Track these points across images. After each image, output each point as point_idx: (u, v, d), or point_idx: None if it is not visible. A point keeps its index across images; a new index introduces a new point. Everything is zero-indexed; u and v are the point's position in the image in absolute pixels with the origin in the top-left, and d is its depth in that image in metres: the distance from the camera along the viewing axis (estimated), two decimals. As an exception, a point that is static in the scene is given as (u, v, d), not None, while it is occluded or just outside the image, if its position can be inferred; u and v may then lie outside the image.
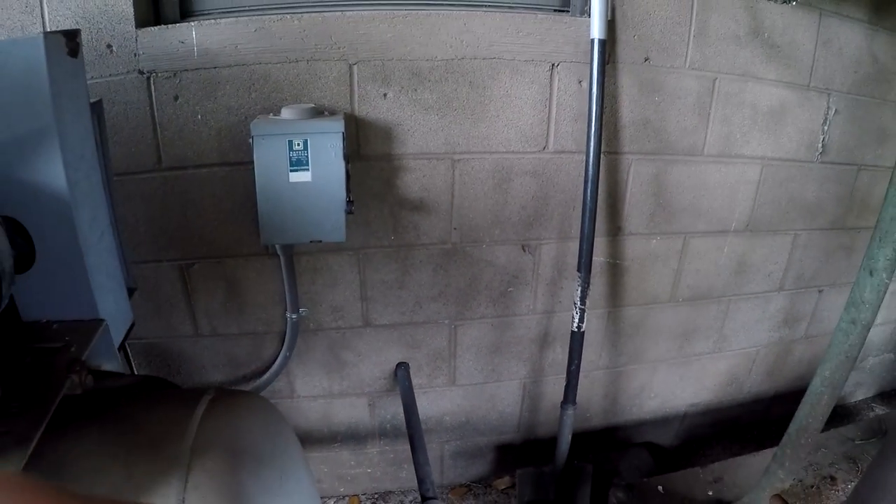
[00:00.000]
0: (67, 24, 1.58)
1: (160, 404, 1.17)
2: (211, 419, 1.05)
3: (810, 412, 1.60)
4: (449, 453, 2.29)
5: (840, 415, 2.82)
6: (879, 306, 1.45)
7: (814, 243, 2.28)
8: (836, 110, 2.10)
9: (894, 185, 1.37)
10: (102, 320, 1.12)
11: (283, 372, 1.98)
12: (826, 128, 2.11)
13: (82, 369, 0.96)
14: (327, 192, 1.60)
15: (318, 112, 1.61)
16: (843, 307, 1.53)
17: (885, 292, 1.44)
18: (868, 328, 1.48)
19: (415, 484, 2.27)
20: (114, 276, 1.26)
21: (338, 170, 1.59)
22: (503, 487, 2.32)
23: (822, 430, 2.23)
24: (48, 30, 1.60)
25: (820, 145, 2.12)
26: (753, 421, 2.58)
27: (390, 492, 2.31)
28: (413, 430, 1.83)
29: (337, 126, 1.56)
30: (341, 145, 1.56)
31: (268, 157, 1.57)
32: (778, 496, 1.67)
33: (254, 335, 1.95)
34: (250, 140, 1.56)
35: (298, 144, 1.57)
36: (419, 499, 2.30)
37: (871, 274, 1.43)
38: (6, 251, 0.93)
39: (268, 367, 1.98)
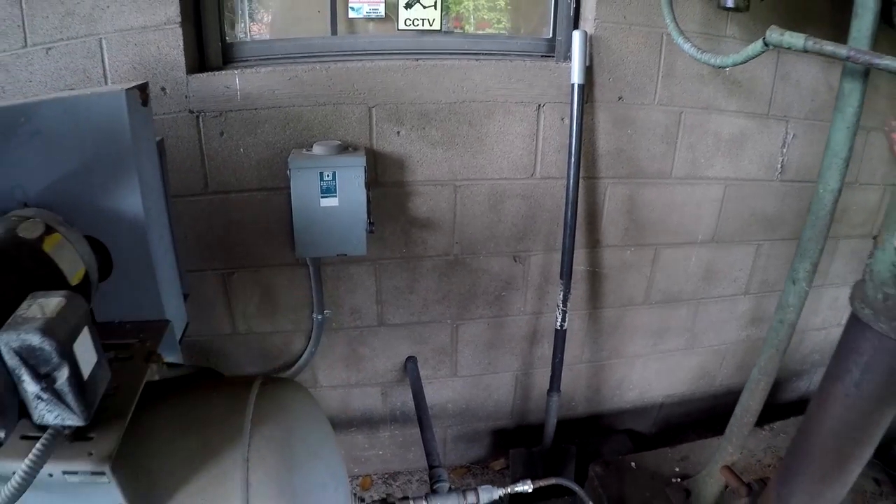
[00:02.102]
0: (125, 70, 2.03)
1: (219, 388, 1.60)
2: (264, 399, 1.44)
3: (750, 396, 2.08)
4: (451, 437, 2.79)
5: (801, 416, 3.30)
6: (801, 309, 1.92)
7: (776, 252, 2.76)
8: (794, 135, 2.56)
9: (812, 212, 1.82)
10: (169, 321, 1.47)
11: (309, 365, 2.47)
12: (785, 150, 2.58)
13: (158, 360, 1.30)
14: (352, 214, 2.09)
15: (343, 148, 2.09)
16: (773, 316, 2.01)
17: (805, 298, 1.90)
18: (793, 326, 1.94)
19: (421, 465, 2.80)
20: (174, 284, 1.67)
21: (360, 196, 2.08)
22: (498, 468, 2.82)
23: (784, 419, 2.73)
24: (108, 73, 2.04)
25: (779, 166, 2.59)
26: (726, 412, 3.05)
27: (398, 472, 2.82)
28: (421, 411, 2.32)
29: (360, 161, 2.04)
30: (363, 176, 2.05)
31: (303, 185, 2.06)
32: (726, 467, 2.16)
33: (284, 333, 2.44)
34: (288, 172, 2.05)
35: (328, 175, 2.06)
36: (425, 478, 2.81)
37: (793, 283, 1.90)
38: (93, 265, 1.31)
39: (295, 361, 2.47)
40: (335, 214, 2.09)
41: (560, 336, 2.40)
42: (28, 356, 0.96)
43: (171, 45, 2.00)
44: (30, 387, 0.98)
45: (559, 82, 2.21)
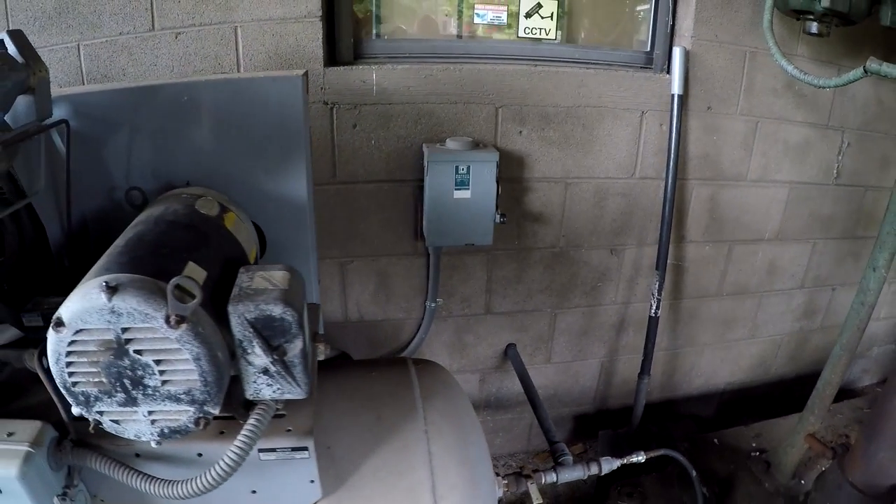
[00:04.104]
0: (260, 59, 2.23)
1: (374, 368, 1.80)
2: (424, 376, 1.68)
3: (832, 370, 2.47)
4: (537, 423, 3.11)
5: (850, 398, 3.78)
6: (880, 292, 2.32)
7: (829, 250, 3.19)
8: (848, 143, 2.99)
9: (891, 210, 2.24)
10: (318, 304, 1.56)
11: (416, 352, 2.76)
12: (840, 157, 3.01)
13: (326, 341, 1.35)
14: (482, 206, 2.40)
15: (475, 144, 2.40)
16: (853, 299, 2.43)
17: (883, 283, 2.31)
18: (872, 308, 2.34)
19: (505, 451, 3.12)
20: (315, 269, 1.81)
21: (491, 189, 2.39)
22: (578, 453, 3.16)
23: (837, 401, 3.16)
24: (241, 61, 2.22)
25: (835, 171, 3.03)
26: (778, 400, 3.50)
27: (485, 456, 3.11)
28: (531, 393, 2.63)
29: (493, 157, 2.36)
30: (495, 171, 2.36)
31: (438, 178, 2.35)
32: (811, 435, 2.55)
33: (394, 321, 2.72)
34: (424, 164, 2.35)
35: (463, 169, 2.36)
36: (510, 463, 3.12)
37: (873, 270, 2.31)
38: (257, 245, 1.44)
39: (403, 348, 2.75)
40: (467, 206, 2.39)
41: (653, 322, 2.76)
42: (264, 327, 0.99)
43: (311, 37, 2.22)
44: (257, 360, 1.01)
45: (660, 92, 2.58)
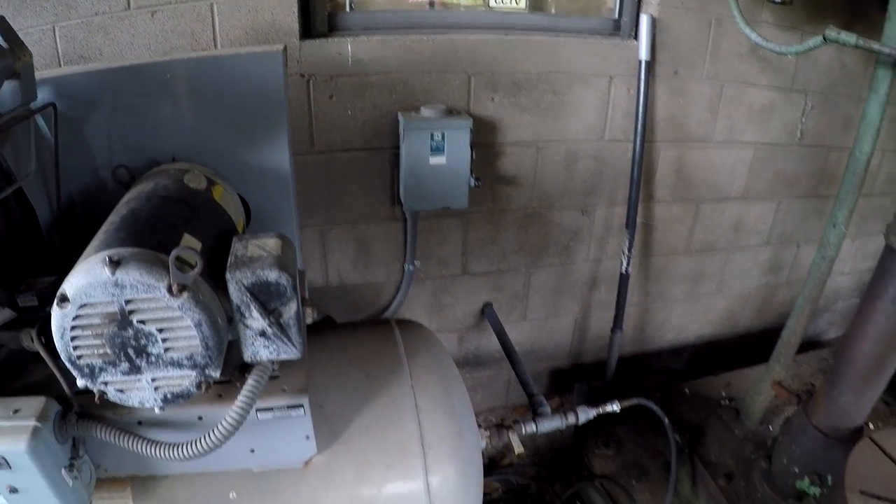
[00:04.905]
0: (237, 35, 2.26)
1: (360, 329, 1.90)
2: (407, 335, 1.77)
3: (796, 321, 2.61)
4: (514, 379, 3.25)
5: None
6: (840, 247, 2.44)
7: (793, 208, 3.33)
8: (811, 106, 3.10)
9: (850, 170, 2.33)
10: (304, 270, 1.64)
11: (396, 314, 2.88)
12: (804, 119, 3.12)
13: (312, 304, 1.30)
14: (457, 171, 2.49)
15: (449, 112, 2.48)
16: (814, 254, 2.55)
17: (842, 238, 2.42)
18: (832, 262, 2.46)
19: (484, 406, 3.26)
20: (297, 237, 1.85)
21: (465, 155, 2.47)
22: (555, 406, 3.31)
23: (803, 352, 3.32)
24: (219, 37, 2.25)
25: (798, 132, 3.14)
26: (746, 352, 3.65)
27: (466, 411, 3.27)
28: (509, 350, 2.75)
29: (467, 124, 2.44)
30: (469, 137, 2.45)
31: (414, 145, 2.43)
32: (777, 383, 2.71)
33: (374, 285, 2.83)
34: (400, 132, 2.43)
35: (438, 136, 2.44)
36: (490, 418, 3.27)
37: (833, 226, 2.43)
38: (243, 216, 1.51)
39: (382, 311, 2.86)
40: (442, 171, 2.48)
41: (624, 279, 2.90)
42: (260, 292, 1.04)
43: (286, 11, 2.25)
44: (254, 323, 1.06)
45: (627, 58, 2.66)
